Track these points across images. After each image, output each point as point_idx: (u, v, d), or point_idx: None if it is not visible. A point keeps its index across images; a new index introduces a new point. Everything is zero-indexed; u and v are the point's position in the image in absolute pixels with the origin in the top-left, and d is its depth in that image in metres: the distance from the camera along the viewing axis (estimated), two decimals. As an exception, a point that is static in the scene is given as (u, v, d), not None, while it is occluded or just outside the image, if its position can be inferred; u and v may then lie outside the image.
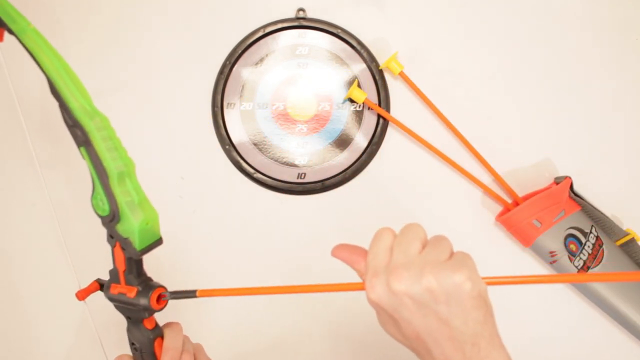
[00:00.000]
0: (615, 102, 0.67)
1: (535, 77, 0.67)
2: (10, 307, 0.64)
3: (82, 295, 0.41)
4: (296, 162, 0.65)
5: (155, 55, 0.66)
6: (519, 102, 0.67)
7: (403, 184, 0.66)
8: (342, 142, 0.65)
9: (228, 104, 0.65)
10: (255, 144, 0.65)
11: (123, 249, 0.37)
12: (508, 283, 0.36)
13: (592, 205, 0.63)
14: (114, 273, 0.39)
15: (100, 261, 0.64)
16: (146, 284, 0.39)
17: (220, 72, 0.65)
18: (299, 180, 0.65)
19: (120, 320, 0.41)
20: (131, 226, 0.36)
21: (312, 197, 0.65)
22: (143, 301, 0.38)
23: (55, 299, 0.64)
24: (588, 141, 0.67)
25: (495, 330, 0.35)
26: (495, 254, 0.65)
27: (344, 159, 0.65)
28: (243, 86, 0.65)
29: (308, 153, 0.65)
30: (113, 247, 0.38)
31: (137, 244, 0.36)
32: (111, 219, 0.36)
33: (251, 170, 0.64)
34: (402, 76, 0.65)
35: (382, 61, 0.65)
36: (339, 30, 0.65)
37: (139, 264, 0.39)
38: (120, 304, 0.39)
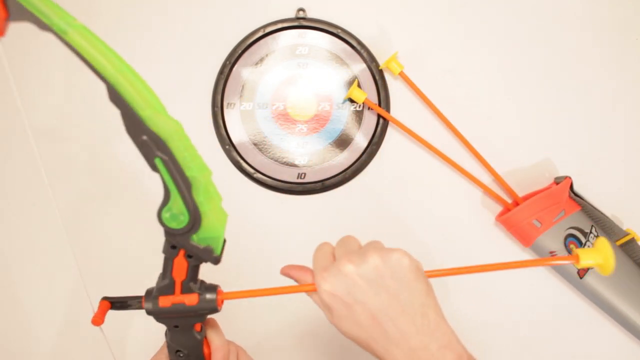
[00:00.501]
0: (615, 102, 0.67)
1: (535, 77, 0.67)
2: (10, 308, 0.64)
3: (98, 320, 0.38)
4: (296, 162, 0.65)
5: (155, 55, 0.66)
6: (519, 102, 0.67)
7: (403, 184, 0.66)
8: (342, 142, 0.65)
9: (228, 104, 0.65)
10: (255, 144, 0.65)
11: (190, 257, 0.36)
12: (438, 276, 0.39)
13: (592, 205, 0.63)
14: (165, 285, 0.37)
15: (103, 263, 0.64)
16: (204, 288, 0.38)
17: (220, 72, 0.65)
18: (299, 180, 0.65)
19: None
20: (215, 232, 0.35)
21: (312, 197, 0.65)
22: (211, 304, 0.38)
23: (55, 300, 0.64)
24: (588, 141, 0.67)
25: (438, 303, 0.38)
26: (495, 254, 0.65)
27: (344, 159, 0.65)
28: (243, 86, 0.65)
29: (308, 153, 0.65)
30: (173, 257, 0.37)
31: (220, 249, 0.36)
32: (189, 229, 0.34)
33: (251, 170, 0.64)
34: (402, 76, 0.65)
35: (382, 61, 0.65)
36: (339, 30, 0.65)
37: (196, 269, 0.38)
38: (172, 315, 0.38)
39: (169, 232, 0.35)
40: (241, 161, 0.64)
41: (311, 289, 0.38)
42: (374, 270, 0.36)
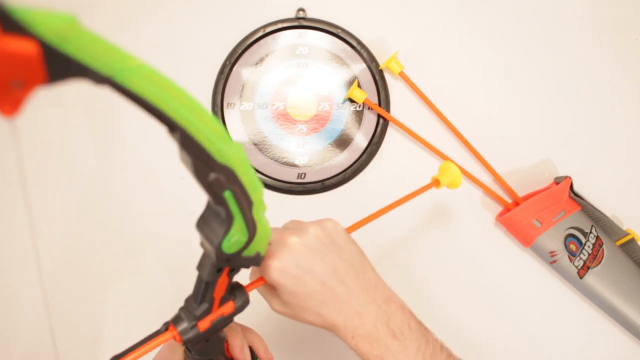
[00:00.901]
0: (615, 102, 0.67)
1: (535, 77, 0.67)
2: (8, 309, 0.64)
3: None
4: (296, 162, 0.65)
5: (155, 55, 0.66)
6: (519, 102, 0.67)
7: (403, 184, 0.66)
8: (342, 142, 0.65)
9: (228, 104, 0.65)
10: (255, 144, 0.65)
11: (232, 271, 0.35)
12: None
13: (592, 205, 0.63)
14: (205, 309, 0.35)
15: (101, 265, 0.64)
16: (233, 291, 0.38)
17: (220, 72, 0.65)
18: (299, 180, 0.65)
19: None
20: (265, 234, 0.35)
21: (312, 197, 0.65)
22: (245, 304, 0.38)
23: (55, 300, 0.64)
24: (588, 141, 0.67)
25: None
26: (495, 254, 0.65)
27: (344, 159, 0.65)
28: (243, 86, 0.65)
29: (308, 153, 0.65)
30: (217, 279, 0.34)
31: (265, 248, 0.36)
32: (246, 247, 0.33)
33: (251, 170, 0.64)
34: (402, 76, 0.65)
35: (382, 61, 0.65)
36: (339, 30, 0.65)
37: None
38: (210, 333, 0.36)
39: (222, 258, 0.32)
40: (241, 161, 0.64)
41: (261, 283, 0.39)
42: (316, 239, 0.38)
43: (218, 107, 0.64)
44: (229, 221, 0.31)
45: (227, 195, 0.29)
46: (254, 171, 0.31)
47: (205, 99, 0.65)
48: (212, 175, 0.28)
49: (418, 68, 0.65)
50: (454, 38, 0.67)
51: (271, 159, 0.65)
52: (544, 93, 0.67)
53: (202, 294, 0.35)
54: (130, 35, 0.66)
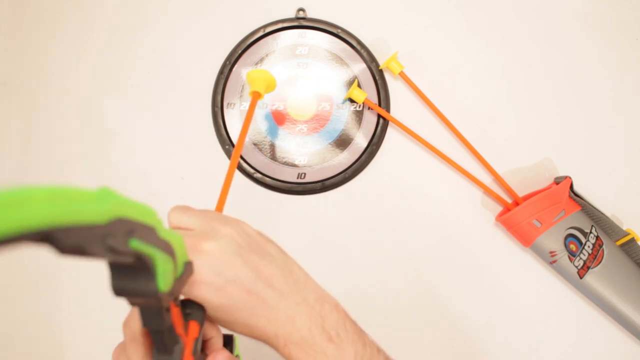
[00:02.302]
0: (615, 102, 0.67)
1: (535, 77, 0.67)
2: (9, 309, 0.64)
3: None
4: (296, 162, 0.65)
5: (155, 55, 0.66)
6: (519, 101, 0.67)
7: (403, 184, 0.66)
8: (342, 142, 0.65)
9: (228, 104, 0.65)
10: (255, 144, 0.65)
11: (176, 299, 0.31)
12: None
13: (592, 205, 0.63)
14: (177, 353, 0.31)
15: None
16: (184, 310, 0.33)
17: (220, 72, 0.65)
18: (299, 180, 0.65)
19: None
20: (178, 241, 0.30)
21: (312, 197, 0.65)
22: (202, 313, 0.33)
23: (55, 299, 0.64)
24: (588, 141, 0.67)
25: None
26: (495, 254, 0.65)
27: (344, 159, 0.65)
28: (243, 86, 0.65)
29: (308, 153, 0.65)
30: (171, 318, 0.30)
31: (186, 253, 0.32)
32: (175, 271, 0.29)
33: (251, 170, 0.64)
34: (402, 76, 0.65)
35: (382, 61, 0.65)
36: (339, 30, 0.65)
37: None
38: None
39: (166, 297, 0.28)
40: (241, 161, 0.64)
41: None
42: (232, 241, 0.33)
43: (218, 107, 0.64)
44: (150, 262, 0.26)
45: (134, 244, 0.24)
46: (129, 197, 0.26)
47: (205, 99, 0.65)
48: (108, 242, 0.22)
49: (418, 68, 0.65)
50: (454, 38, 0.67)
51: (271, 159, 0.65)
52: (544, 93, 0.67)
53: (169, 342, 0.31)
54: (130, 35, 0.66)
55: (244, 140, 0.48)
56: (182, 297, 0.33)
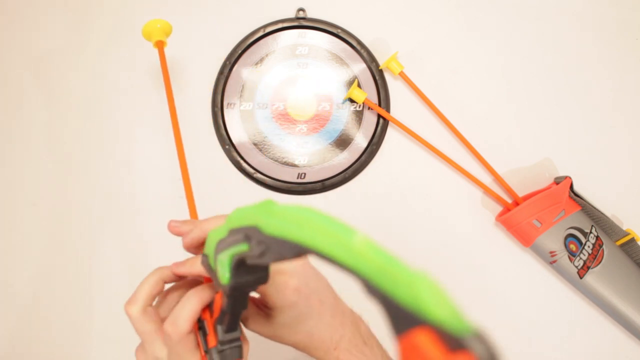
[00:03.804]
0: (615, 102, 0.67)
1: (535, 77, 0.67)
2: (10, 309, 0.64)
3: None
4: (296, 162, 0.65)
5: (155, 55, 0.66)
6: (519, 101, 0.67)
7: (403, 183, 0.66)
8: (342, 142, 0.65)
9: (228, 104, 0.65)
10: (255, 144, 0.65)
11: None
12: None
13: (592, 205, 0.63)
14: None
15: (102, 264, 0.64)
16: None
17: (220, 72, 0.65)
18: (299, 180, 0.65)
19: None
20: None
21: (312, 197, 0.65)
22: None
23: (54, 299, 0.64)
24: (588, 141, 0.67)
25: None
26: (495, 254, 0.65)
27: (344, 159, 0.65)
28: (243, 86, 0.65)
29: (308, 153, 0.65)
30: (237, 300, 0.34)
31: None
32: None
33: (251, 170, 0.64)
34: (402, 76, 0.65)
35: (382, 61, 0.65)
36: (339, 30, 0.65)
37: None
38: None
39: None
40: (241, 161, 0.64)
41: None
42: (311, 262, 0.39)
43: (218, 107, 0.64)
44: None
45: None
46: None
47: (205, 99, 0.65)
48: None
49: (418, 68, 0.65)
50: (454, 38, 0.67)
51: (271, 159, 0.65)
52: (544, 93, 0.67)
53: (238, 320, 0.35)
54: (130, 35, 0.66)
55: (172, 99, 0.50)
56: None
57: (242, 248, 0.29)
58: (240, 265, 0.30)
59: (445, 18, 0.67)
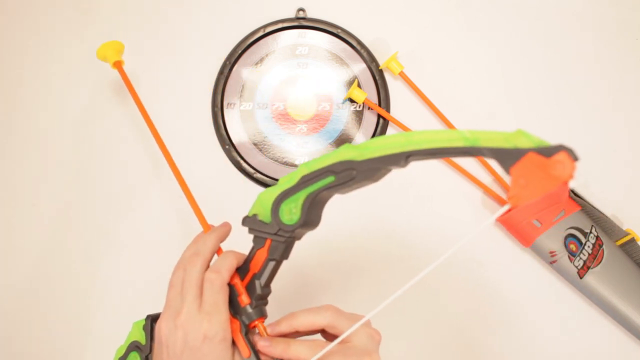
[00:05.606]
0: (615, 102, 0.67)
1: (535, 77, 0.67)
2: (11, 308, 0.64)
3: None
4: (296, 162, 0.65)
5: (155, 55, 0.66)
6: (518, 102, 0.67)
7: (403, 184, 0.66)
8: (342, 142, 0.65)
9: (228, 104, 0.65)
10: (255, 144, 0.65)
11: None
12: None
13: (592, 205, 0.63)
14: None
15: (103, 262, 0.64)
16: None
17: (220, 72, 0.65)
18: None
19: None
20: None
21: (312, 197, 0.65)
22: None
23: (54, 298, 0.64)
24: (588, 141, 0.67)
25: None
26: (495, 254, 0.65)
27: (344, 159, 0.65)
28: (243, 86, 0.65)
29: (308, 153, 0.65)
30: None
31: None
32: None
33: (251, 170, 0.64)
34: (402, 76, 0.65)
35: (382, 61, 0.65)
36: (339, 30, 0.65)
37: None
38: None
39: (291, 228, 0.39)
40: (241, 161, 0.64)
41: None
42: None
43: (218, 107, 0.64)
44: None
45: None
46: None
47: (205, 99, 0.65)
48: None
49: (418, 68, 0.65)
50: (454, 38, 0.67)
51: (271, 159, 0.65)
52: (544, 93, 0.67)
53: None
54: (130, 36, 0.66)
55: (145, 112, 0.53)
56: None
57: (329, 180, 0.38)
58: (312, 204, 0.39)
59: (445, 18, 0.67)
